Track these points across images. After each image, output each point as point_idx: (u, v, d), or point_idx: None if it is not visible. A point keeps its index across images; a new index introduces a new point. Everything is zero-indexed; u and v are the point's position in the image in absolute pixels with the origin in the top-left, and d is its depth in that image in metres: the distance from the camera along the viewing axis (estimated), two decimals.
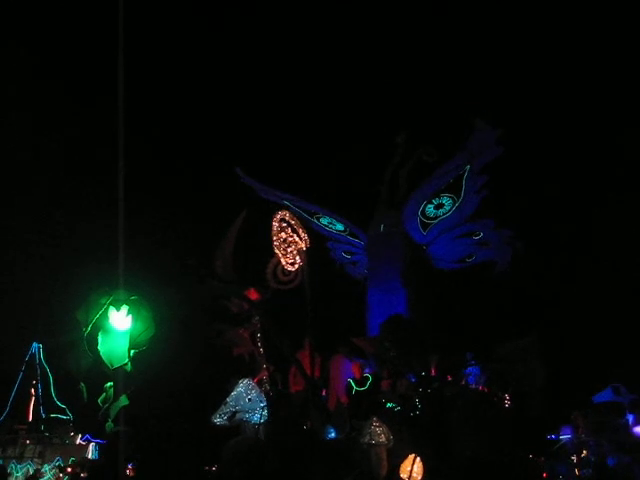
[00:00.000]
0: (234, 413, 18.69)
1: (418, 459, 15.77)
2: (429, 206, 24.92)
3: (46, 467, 27.20)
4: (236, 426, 18.46)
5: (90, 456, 27.10)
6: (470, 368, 20.68)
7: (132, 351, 7.80)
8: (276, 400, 18.94)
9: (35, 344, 30.75)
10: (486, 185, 24.47)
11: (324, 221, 26.58)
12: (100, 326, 7.73)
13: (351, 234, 26.84)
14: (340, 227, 26.73)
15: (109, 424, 7.87)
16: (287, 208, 21.29)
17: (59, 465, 26.25)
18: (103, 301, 7.91)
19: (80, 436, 28.71)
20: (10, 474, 26.45)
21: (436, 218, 25.31)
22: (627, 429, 18.84)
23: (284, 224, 19.85)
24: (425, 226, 25.47)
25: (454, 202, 24.79)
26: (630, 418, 18.54)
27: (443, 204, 24.91)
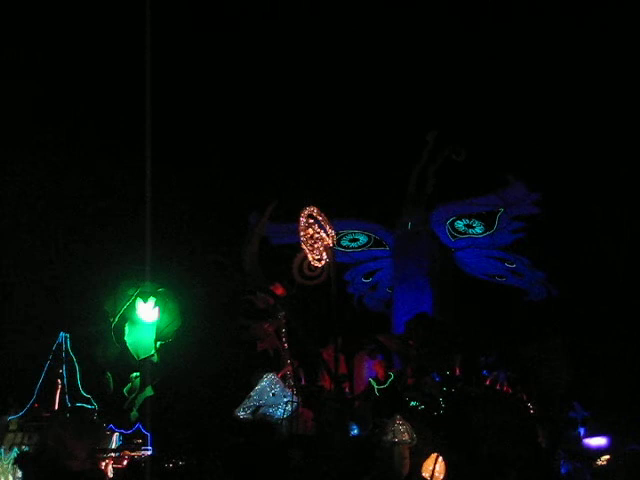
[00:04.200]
0: (258, 407, 18.78)
1: (440, 458, 15.74)
2: (459, 222, 24.59)
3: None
4: (258, 420, 18.55)
5: (114, 445, 27.30)
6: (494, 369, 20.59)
7: (158, 343, 7.86)
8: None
9: (62, 333, 30.99)
10: (523, 229, 24.18)
11: (344, 242, 26.12)
12: (127, 317, 7.80)
13: (375, 243, 26.44)
14: (363, 239, 26.24)
15: (134, 413, 7.96)
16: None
17: None
18: (131, 292, 7.97)
19: (104, 426, 28.94)
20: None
21: (466, 234, 25.00)
22: (579, 440, 20.74)
23: (311, 220, 19.81)
24: (454, 236, 25.19)
25: (486, 230, 24.52)
26: (582, 431, 20.55)
27: (474, 226, 24.59)
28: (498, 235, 24.41)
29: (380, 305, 28.66)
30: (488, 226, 24.31)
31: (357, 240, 26.19)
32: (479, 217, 24.20)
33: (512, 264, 25.47)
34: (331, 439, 16.59)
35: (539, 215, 23.50)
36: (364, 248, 26.50)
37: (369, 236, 26.17)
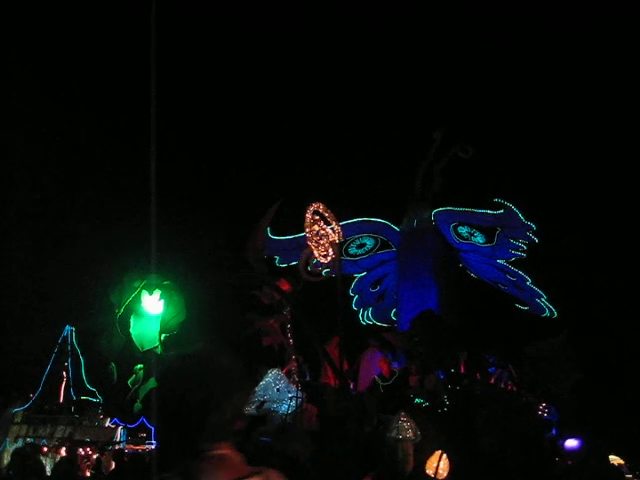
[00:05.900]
0: (262, 402, 18.79)
1: (444, 456, 15.69)
2: (461, 227, 24.62)
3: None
4: (263, 415, 18.57)
5: (119, 439, 27.40)
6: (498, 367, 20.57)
7: (163, 335, 7.85)
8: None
9: (68, 327, 31.09)
10: (521, 250, 24.15)
11: (352, 250, 26.00)
12: (133, 309, 7.79)
13: (382, 246, 26.32)
14: (371, 243, 26.11)
15: (137, 404, 7.97)
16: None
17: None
18: (136, 284, 7.97)
19: (109, 419, 29.01)
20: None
21: (468, 240, 24.99)
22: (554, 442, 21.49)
23: (317, 216, 19.82)
24: (457, 239, 25.16)
25: (487, 241, 24.54)
26: (554, 432, 20.86)
27: (476, 235, 24.63)
28: (499, 249, 24.44)
29: (387, 316, 28.42)
30: (488, 239, 24.35)
31: (364, 245, 26.00)
32: (480, 229, 24.26)
33: (514, 277, 25.39)
34: (334, 435, 16.60)
35: (538, 242, 23.52)
36: (371, 253, 26.31)
37: (375, 238, 26.00)
